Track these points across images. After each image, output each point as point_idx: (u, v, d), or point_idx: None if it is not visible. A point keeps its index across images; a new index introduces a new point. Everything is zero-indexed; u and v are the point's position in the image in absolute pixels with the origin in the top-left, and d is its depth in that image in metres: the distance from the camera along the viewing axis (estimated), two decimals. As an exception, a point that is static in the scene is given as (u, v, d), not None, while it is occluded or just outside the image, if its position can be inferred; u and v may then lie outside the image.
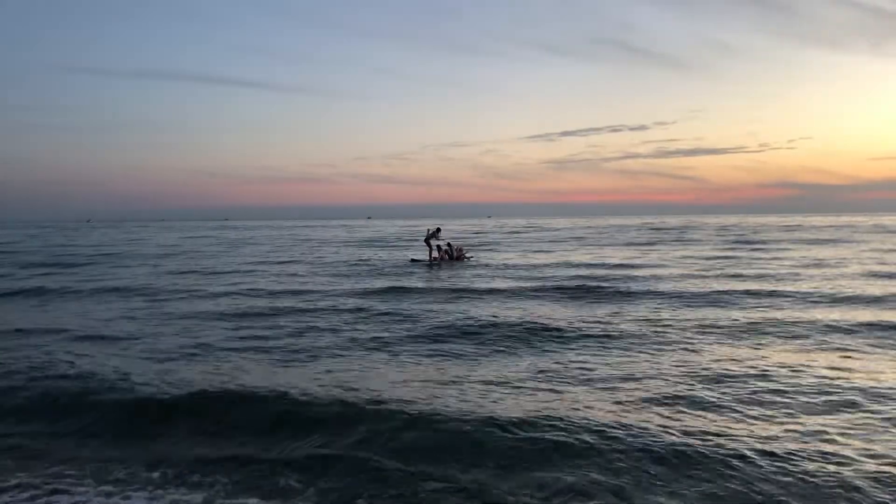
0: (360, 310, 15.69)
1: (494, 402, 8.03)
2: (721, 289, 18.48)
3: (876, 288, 18.32)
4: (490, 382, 8.96)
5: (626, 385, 8.72)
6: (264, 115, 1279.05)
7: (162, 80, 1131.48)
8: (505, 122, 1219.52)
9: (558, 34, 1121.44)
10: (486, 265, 28.13)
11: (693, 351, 10.80)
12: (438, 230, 29.96)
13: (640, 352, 10.76)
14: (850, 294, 17.16)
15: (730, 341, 11.56)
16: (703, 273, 23.52)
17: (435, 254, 29.03)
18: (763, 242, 43.26)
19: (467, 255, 30.62)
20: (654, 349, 10.94)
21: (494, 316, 14.36)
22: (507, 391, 8.52)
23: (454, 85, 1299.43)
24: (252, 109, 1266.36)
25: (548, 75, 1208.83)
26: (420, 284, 20.98)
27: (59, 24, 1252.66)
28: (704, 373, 9.28)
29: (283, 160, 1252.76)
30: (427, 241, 29.64)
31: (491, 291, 19.01)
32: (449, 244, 29.73)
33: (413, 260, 30.25)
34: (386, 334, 12.67)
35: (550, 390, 8.54)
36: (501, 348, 11.35)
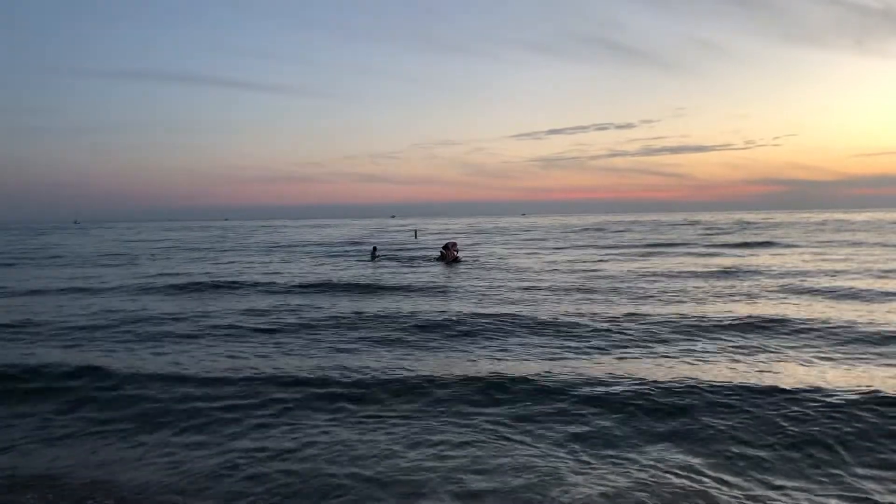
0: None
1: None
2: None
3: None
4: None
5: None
6: (251, 115, 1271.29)
7: (151, 81, 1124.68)
8: (492, 121, 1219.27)
9: (545, 33, 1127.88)
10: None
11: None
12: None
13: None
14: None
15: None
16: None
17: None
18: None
19: (458, 253, 32.91)
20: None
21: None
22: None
23: (442, 85, 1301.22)
24: (240, 110, 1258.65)
25: (534, 74, 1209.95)
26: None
27: (47, 26, 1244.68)
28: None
29: (269, 160, 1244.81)
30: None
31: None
32: (454, 244, 32.99)
33: (438, 258, 31.75)
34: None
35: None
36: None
